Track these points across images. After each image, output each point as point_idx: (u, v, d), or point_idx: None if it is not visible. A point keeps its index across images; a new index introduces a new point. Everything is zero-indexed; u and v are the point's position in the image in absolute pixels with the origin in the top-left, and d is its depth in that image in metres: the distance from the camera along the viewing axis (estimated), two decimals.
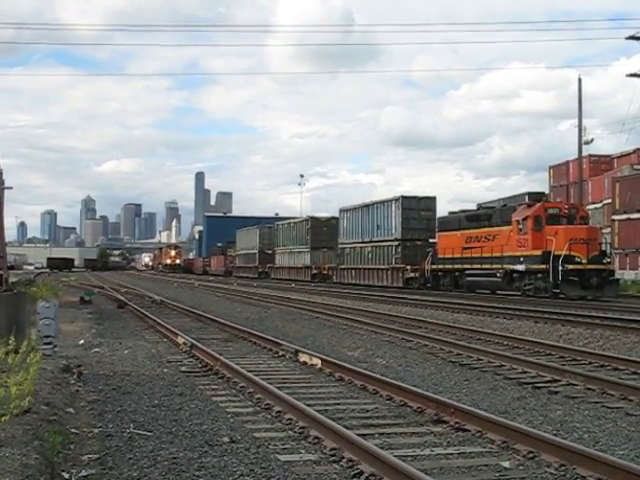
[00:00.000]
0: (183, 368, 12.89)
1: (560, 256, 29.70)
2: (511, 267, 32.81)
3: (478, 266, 35.59)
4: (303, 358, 13.51)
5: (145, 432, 8.08)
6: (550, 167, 63.18)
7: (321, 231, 60.26)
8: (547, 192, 50.92)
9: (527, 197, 36.92)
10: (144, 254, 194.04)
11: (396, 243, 45.81)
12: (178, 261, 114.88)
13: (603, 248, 32.14)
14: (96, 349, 15.53)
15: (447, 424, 8.34)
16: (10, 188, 22.21)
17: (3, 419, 7.21)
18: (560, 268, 29.57)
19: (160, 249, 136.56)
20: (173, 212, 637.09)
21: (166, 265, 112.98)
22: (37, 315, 13.91)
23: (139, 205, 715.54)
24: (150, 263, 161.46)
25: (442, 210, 46.71)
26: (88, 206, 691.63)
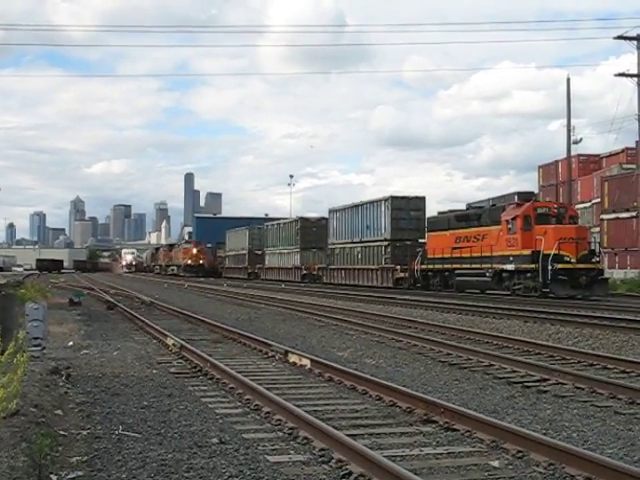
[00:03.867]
0: (172, 369, 12.86)
1: (549, 255, 29.78)
2: (500, 267, 32.87)
3: (468, 266, 35.65)
4: (293, 359, 13.50)
5: (134, 434, 8.06)
6: (539, 167, 63.38)
7: (311, 231, 60.25)
8: (536, 192, 51.08)
9: (516, 197, 37.05)
10: (125, 250, 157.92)
11: (386, 243, 45.85)
12: (202, 261, 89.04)
13: (592, 247, 32.23)
14: (85, 351, 15.48)
15: (436, 424, 8.34)
16: None
17: None
18: (549, 267, 29.65)
19: (171, 246, 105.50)
20: (163, 213, 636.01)
21: (186, 267, 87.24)
22: (26, 317, 13.86)
23: (129, 206, 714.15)
24: (134, 262, 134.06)
25: (432, 210, 46.77)
26: (77, 207, 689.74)
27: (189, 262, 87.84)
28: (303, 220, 62.51)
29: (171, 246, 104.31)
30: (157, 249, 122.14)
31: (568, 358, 13.50)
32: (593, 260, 30.95)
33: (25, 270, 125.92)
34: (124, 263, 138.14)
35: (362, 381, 10.70)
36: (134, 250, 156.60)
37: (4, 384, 7.78)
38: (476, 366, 12.89)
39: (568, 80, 46.15)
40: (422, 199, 46.98)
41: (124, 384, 11.30)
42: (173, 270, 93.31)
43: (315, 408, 9.15)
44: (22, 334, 11.71)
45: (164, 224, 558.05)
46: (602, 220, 48.73)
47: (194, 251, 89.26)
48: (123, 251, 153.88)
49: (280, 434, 8.00)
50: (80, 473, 6.55)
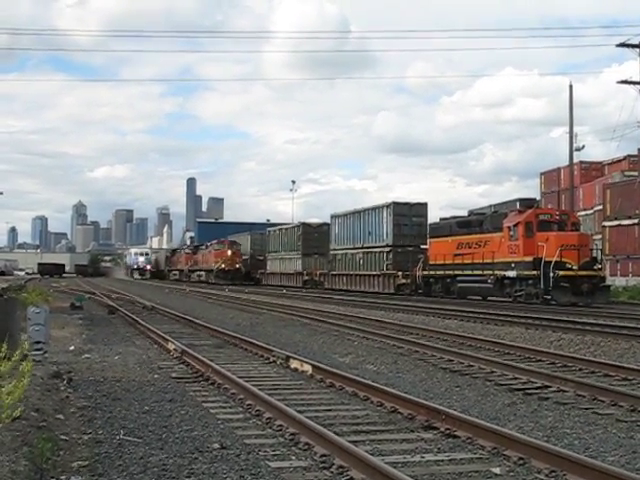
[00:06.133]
0: (174, 374, 12.85)
1: (551, 262, 29.77)
2: (502, 273, 32.85)
3: (469, 272, 35.63)
4: (294, 364, 13.49)
5: (135, 438, 8.05)
6: (541, 174, 63.33)
7: (312, 237, 60.25)
8: (538, 198, 51.10)
9: (518, 203, 37.03)
10: (134, 250, 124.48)
11: (387, 249, 45.87)
12: (238, 265, 74.02)
13: (594, 254, 32.23)
14: (86, 355, 15.49)
15: (438, 430, 8.33)
16: (0, 193, 22.18)
17: None
18: (551, 274, 29.64)
19: (196, 247, 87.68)
20: (165, 218, 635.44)
21: (219, 272, 72.90)
22: (27, 321, 13.88)
23: (130, 211, 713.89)
24: (148, 266, 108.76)
25: (434, 216, 46.85)
26: (79, 211, 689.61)
27: (223, 266, 73.37)
28: (305, 226, 62.47)
29: (196, 247, 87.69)
30: (174, 251, 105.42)
31: (570, 365, 13.49)
32: (595, 267, 30.94)
33: (27, 274, 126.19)
34: (135, 266, 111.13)
35: (363, 387, 10.70)
36: (147, 250, 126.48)
37: (9, 391, 7.78)
38: (477, 373, 12.88)
39: (570, 87, 46.26)
40: (424, 205, 47.06)
41: (125, 389, 11.31)
42: (200, 276, 79.93)
43: (316, 414, 9.15)
44: (27, 343, 11.73)
45: (166, 229, 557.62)
46: (604, 227, 48.66)
47: (229, 253, 74.32)
48: (132, 251, 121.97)
49: (281, 440, 8.00)
50: (81, 478, 6.55)
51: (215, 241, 77.32)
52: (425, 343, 16.94)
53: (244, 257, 74.93)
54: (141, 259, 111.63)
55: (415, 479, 6.32)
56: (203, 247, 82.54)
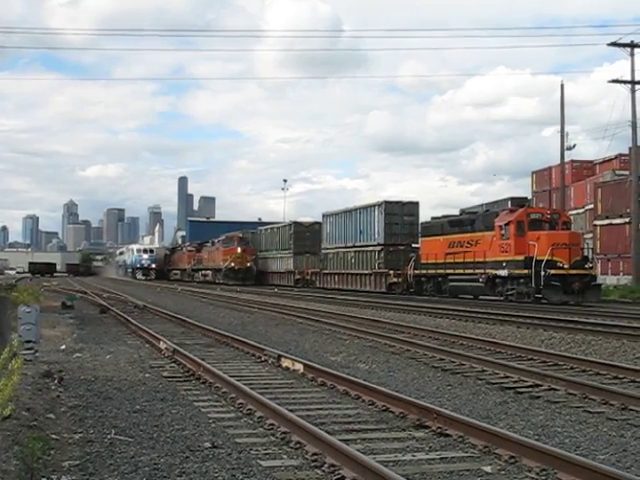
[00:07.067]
0: (165, 373, 12.83)
1: (542, 261, 29.84)
2: (494, 272, 32.91)
3: (461, 271, 35.70)
4: (286, 363, 13.48)
5: (126, 438, 8.04)
6: (533, 173, 63.43)
7: (304, 236, 60.28)
8: (530, 197, 51.19)
9: (510, 202, 37.13)
10: (136, 246, 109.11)
11: (379, 248, 45.92)
12: (249, 264, 67.15)
13: (585, 253, 32.31)
14: (78, 354, 15.44)
15: (429, 429, 8.34)
16: None
17: None
18: (542, 273, 29.71)
19: (200, 245, 79.20)
20: (156, 217, 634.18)
21: (228, 271, 66.02)
22: (18, 320, 13.84)
23: (122, 210, 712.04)
24: (154, 264, 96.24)
25: (426, 215, 46.97)
26: (70, 210, 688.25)
27: (232, 265, 66.38)
28: (297, 225, 62.48)
29: (200, 245, 79.40)
30: (173, 249, 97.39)
31: (561, 364, 13.52)
32: (586, 266, 31.01)
33: (18, 273, 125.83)
34: (138, 265, 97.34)
35: (355, 386, 10.70)
36: (152, 247, 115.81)
37: None
38: (469, 371, 12.90)
39: (562, 86, 46.39)
40: (416, 204, 47.14)
41: (116, 388, 11.28)
42: (206, 276, 73.86)
43: (308, 413, 9.15)
44: (16, 341, 11.70)
45: (157, 228, 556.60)
46: (595, 226, 48.80)
47: (238, 250, 67.17)
48: (133, 248, 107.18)
49: (273, 438, 7.99)
50: (72, 477, 6.53)
51: (223, 237, 71.17)
52: (417, 342, 16.95)
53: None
54: (145, 257, 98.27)
55: (407, 478, 6.32)
56: (209, 244, 75.68)
